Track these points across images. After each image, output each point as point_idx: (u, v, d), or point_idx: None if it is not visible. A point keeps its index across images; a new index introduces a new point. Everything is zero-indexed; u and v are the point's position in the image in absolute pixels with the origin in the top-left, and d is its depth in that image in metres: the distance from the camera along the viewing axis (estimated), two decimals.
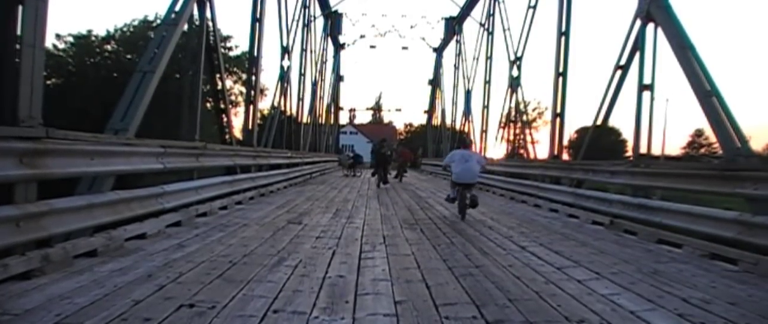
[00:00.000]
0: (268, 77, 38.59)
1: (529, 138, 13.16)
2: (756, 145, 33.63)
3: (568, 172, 8.12)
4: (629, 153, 15.61)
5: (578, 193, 7.50)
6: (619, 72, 7.59)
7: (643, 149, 7.11)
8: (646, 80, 6.96)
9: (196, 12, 7.10)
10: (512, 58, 13.80)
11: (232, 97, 24.32)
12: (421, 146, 33.90)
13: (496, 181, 12.29)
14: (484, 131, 17.02)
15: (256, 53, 10.05)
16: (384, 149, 14.17)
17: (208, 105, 11.67)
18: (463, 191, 7.71)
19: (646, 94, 6.96)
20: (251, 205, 7.55)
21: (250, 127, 10.28)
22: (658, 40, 6.62)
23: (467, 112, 20.69)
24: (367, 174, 19.75)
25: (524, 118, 14.11)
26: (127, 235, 4.26)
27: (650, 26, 6.74)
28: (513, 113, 14.44)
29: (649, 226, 5.40)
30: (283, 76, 14.52)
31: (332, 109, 29.86)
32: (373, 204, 8.51)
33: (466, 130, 20.61)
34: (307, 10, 17.69)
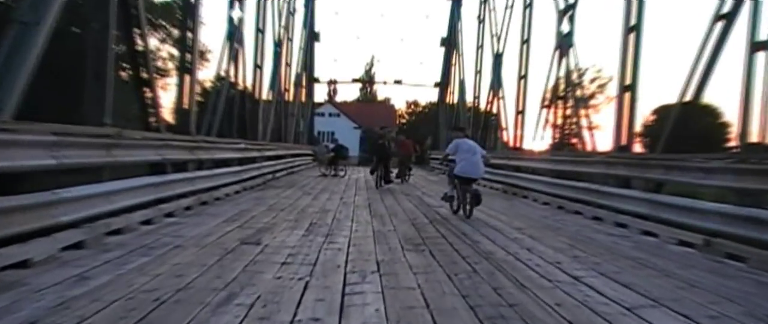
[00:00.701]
0: (212, 34, 38.34)
1: (584, 122, 13.11)
2: None
3: (642, 170, 8.23)
4: (733, 142, 15.85)
5: (656, 201, 7.61)
6: (719, 24, 7.43)
7: (753, 136, 7.00)
8: (761, 36, 6.83)
9: None
10: (562, 5, 13.78)
11: (160, 63, 24.07)
12: (431, 134, 34.10)
13: (537, 184, 12.45)
14: (520, 112, 17.03)
15: None
16: (385, 140, 15.11)
17: (124, 74, 11.70)
18: (464, 187, 8.92)
19: (761, 56, 6.78)
20: (188, 217, 7.71)
21: (186, 106, 10.33)
22: None
23: (496, 84, 20.67)
24: (355, 173, 20.10)
25: (578, 93, 14.09)
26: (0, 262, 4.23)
27: None
28: (562, 86, 14.54)
29: (766, 248, 5.36)
30: (233, 34, 14.55)
31: (304, 82, 29.96)
32: (363, 215, 8.71)
33: (494, 109, 20.79)
34: None
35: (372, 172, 15.87)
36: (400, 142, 17.88)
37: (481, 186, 15.73)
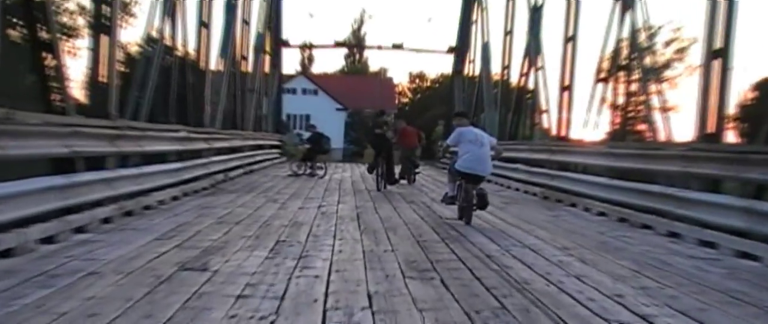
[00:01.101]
0: None
1: (656, 101, 13.12)
2: None
3: (738, 168, 8.27)
4: None
5: (759, 211, 7.65)
6: None
7: None
8: None
9: None
10: None
11: (66, 19, 23.97)
12: (442, 119, 34.33)
13: (589, 187, 12.70)
14: (566, 89, 17.04)
15: None
16: (384, 129, 15.84)
17: (15, 32, 11.76)
18: (468, 186, 9.67)
19: None
20: (106, 233, 7.81)
21: (103, 79, 10.34)
22: None
23: (533, 50, 20.58)
24: (338, 173, 20.64)
25: (648, 61, 14.08)
26: None
27: None
28: (625, 52, 14.65)
29: None
30: None
31: (268, 46, 29.95)
32: (350, 230, 8.88)
33: (530, 85, 20.83)
34: None
35: (371, 171, 16.44)
36: (400, 130, 17.99)
37: (513, 189, 16.89)
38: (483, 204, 9.76)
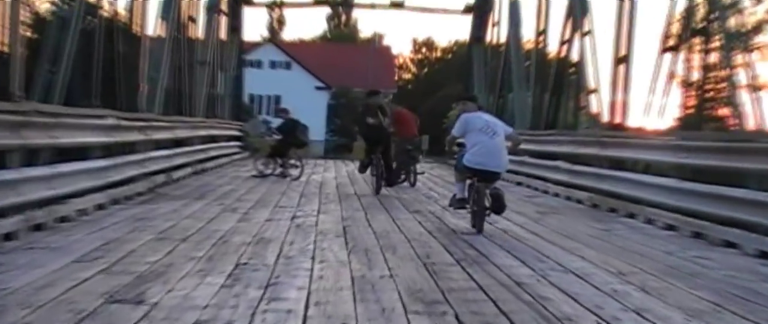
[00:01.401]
0: None
1: (743, 76, 13.17)
2: None
3: None
4: None
5: None
6: None
7: None
8: None
9: None
10: None
11: None
12: (458, 102, 33.99)
13: (653, 192, 12.70)
14: (621, 60, 17.01)
15: None
16: (379, 117, 16.33)
17: None
18: (480, 186, 10.32)
19: None
20: (10, 253, 7.85)
21: (1, 47, 10.59)
22: None
23: (578, 9, 20.58)
24: (318, 172, 21.15)
25: (731, 22, 14.11)
26: None
27: None
28: (700, 12, 14.94)
29: None
30: None
31: (224, 4, 29.98)
32: (334, 249, 8.97)
33: (573, 56, 20.74)
34: None
35: (362, 169, 16.99)
36: (394, 114, 18.23)
37: (551, 194, 17.14)
38: (498, 206, 10.32)
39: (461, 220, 11.10)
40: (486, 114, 10.96)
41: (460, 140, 10.95)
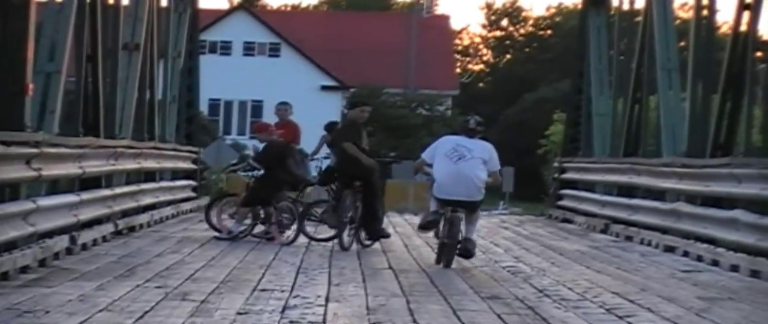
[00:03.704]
0: None
1: None
2: None
3: None
4: None
5: None
6: None
7: None
8: None
9: None
10: None
11: None
12: (571, 107, 30.30)
13: None
14: None
15: None
16: (359, 140, 15.67)
17: None
18: (455, 217, 12.70)
19: None
20: None
21: None
22: None
23: None
24: (324, 229, 17.45)
25: None
26: None
27: None
28: None
29: None
30: None
31: None
32: None
33: (763, 30, 18.47)
34: None
35: (322, 218, 16.16)
36: (349, 121, 17.02)
37: (724, 267, 14.54)
38: (464, 251, 12.26)
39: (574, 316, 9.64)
40: (465, 137, 12.53)
41: (428, 166, 12.83)
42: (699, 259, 15.43)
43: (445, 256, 11.97)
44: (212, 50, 33.08)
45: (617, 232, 20.18)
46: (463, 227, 12.36)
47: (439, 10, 57.55)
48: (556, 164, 27.21)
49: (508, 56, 56.81)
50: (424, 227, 12.79)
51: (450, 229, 11.86)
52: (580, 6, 29.86)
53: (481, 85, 52.00)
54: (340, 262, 14.23)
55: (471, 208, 12.21)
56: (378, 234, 15.68)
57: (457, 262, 13.91)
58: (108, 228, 16.18)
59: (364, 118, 16.34)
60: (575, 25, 32.54)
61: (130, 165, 18.92)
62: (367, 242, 15.56)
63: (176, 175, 23.28)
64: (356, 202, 15.40)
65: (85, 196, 15.28)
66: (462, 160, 11.92)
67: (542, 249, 17.18)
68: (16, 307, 9.17)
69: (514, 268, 13.93)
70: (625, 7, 25.11)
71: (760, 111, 17.80)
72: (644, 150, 20.50)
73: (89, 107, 17.53)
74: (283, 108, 18.99)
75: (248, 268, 13.21)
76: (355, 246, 15.34)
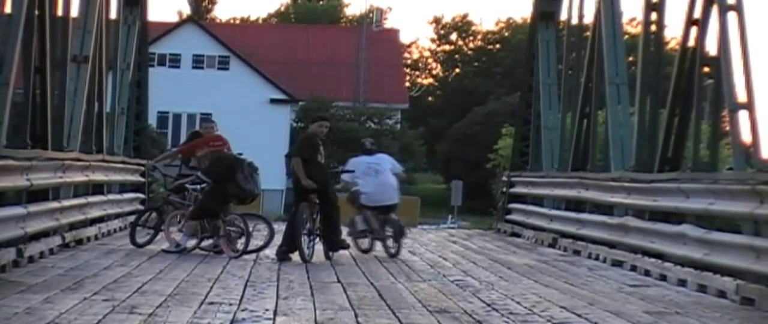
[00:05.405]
0: None
1: None
2: None
3: None
4: None
5: None
6: None
7: None
8: None
9: None
10: None
11: None
12: (519, 118, 30.47)
13: None
14: None
15: None
16: (321, 155, 16.02)
17: None
18: (380, 219, 15.91)
19: None
20: None
21: None
22: None
23: None
24: (273, 243, 17.50)
25: None
26: None
27: None
28: None
29: None
30: None
31: None
32: None
33: (710, 50, 17.19)
34: None
35: (287, 242, 15.69)
36: (306, 138, 17.16)
37: (671, 282, 14.73)
38: (399, 231, 15.70)
39: None
40: (367, 156, 15.77)
41: (355, 185, 15.86)
42: (647, 273, 15.65)
43: (383, 245, 15.40)
44: (161, 63, 32.79)
45: (565, 246, 20.36)
46: (388, 223, 15.81)
47: (389, 24, 57.95)
48: (504, 178, 27.33)
49: (458, 70, 56.92)
50: (359, 237, 15.68)
51: (377, 228, 15.41)
52: (529, 20, 29.71)
53: (430, 98, 52.07)
54: (289, 276, 14.25)
55: (395, 208, 15.73)
56: (339, 245, 15.87)
57: (405, 275, 14.34)
58: (55, 241, 16.22)
59: (323, 134, 16.41)
60: (524, 40, 32.76)
61: (79, 177, 18.85)
62: (331, 254, 15.66)
63: (124, 187, 23.17)
64: (313, 214, 15.47)
65: (33, 208, 15.24)
66: (380, 174, 15.29)
67: (491, 263, 17.31)
68: None
69: (462, 282, 14.08)
70: (575, 21, 25.13)
71: (708, 126, 17.93)
72: (593, 164, 20.77)
73: (37, 119, 17.19)
74: (210, 125, 19.87)
75: (196, 282, 13.23)
76: (305, 258, 15.24)
